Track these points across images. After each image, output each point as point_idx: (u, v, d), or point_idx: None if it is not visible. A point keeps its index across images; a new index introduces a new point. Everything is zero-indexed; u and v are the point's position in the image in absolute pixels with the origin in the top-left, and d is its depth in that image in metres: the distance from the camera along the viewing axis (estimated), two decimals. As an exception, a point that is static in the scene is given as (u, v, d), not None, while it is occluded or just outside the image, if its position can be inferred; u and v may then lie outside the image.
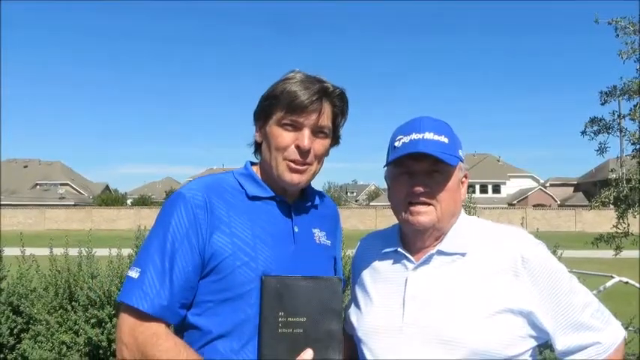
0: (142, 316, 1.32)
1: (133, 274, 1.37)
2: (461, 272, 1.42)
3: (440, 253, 1.45)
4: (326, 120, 1.49)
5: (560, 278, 1.40)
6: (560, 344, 1.39)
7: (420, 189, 1.43)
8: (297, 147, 1.46)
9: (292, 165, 1.48)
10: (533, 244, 1.43)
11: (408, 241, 1.52)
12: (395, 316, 1.43)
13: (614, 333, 1.42)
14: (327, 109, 1.49)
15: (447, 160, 1.40)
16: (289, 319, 1.35)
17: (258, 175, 1.56)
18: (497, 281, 1.38)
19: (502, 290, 1.37)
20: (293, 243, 1.50)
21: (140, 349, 1.31)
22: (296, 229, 1.52)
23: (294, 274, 1.42)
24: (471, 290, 1.38)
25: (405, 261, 1.49)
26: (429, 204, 1.43)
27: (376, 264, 1.57)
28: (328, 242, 1.62)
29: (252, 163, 1.61)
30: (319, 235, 1.60)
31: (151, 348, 1.30)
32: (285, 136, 1.46)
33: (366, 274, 1.59)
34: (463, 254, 1.44)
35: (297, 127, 1.47)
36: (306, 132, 1.47)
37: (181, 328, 1.43)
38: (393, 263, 1.52)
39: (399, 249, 1.51)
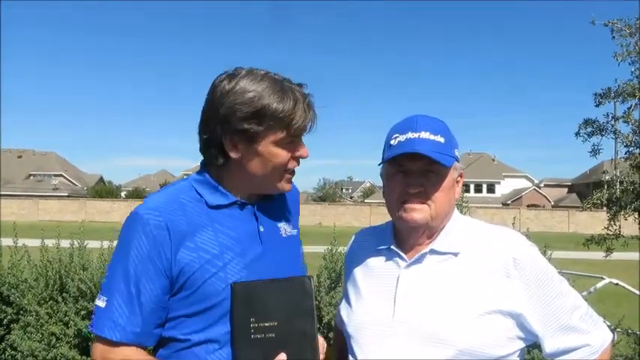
0: (115, 343, 1.33)
1: (100, 303, 1.36)
2: (453, 272, 1.42)
3: (432, 252, 1.45)
4: None
5: (551, 281, 1.41)
6: (548, 346, 1.40)
7: (414, 189, 1.43)
8: (299, 157, 1.47)
9: (289, 176, 1.48)
10: (525, 246, 1.44)
11: (401, 238, 1.52)
12: (385, 314, 1.43)
13: (602, 335, 1.44)
14: None
15: (442, 161, 1.40)
16: (260, 324, 1.35)
17: (216, 179, 1.47)
18: (489, 282, 1.39)
19: (493, 291, 1.38)
20: (260, 244, 1.47)
21: None
22: (261, 229, 1.49)
23: (264, 275, 1.40)
24: (461, 290, 1.39)
25: (397, 259, 1.49)
26: (423, 202, 1.43)
27: (369, 260, 1.57)
28: (294, 231, 1.62)
29: (205, 163, 1.51)
30: (285, 228, 1.58)
31: None
32: (285, 154, 1.43)
33: (358, 270, 1.59)
34: (455, 254, 1.44)
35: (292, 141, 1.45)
36: (301, 140, 1.47)
37: (158, 341, 1.42)
38: (386, 260, 1.52)
39: (392, 246, 1.51)
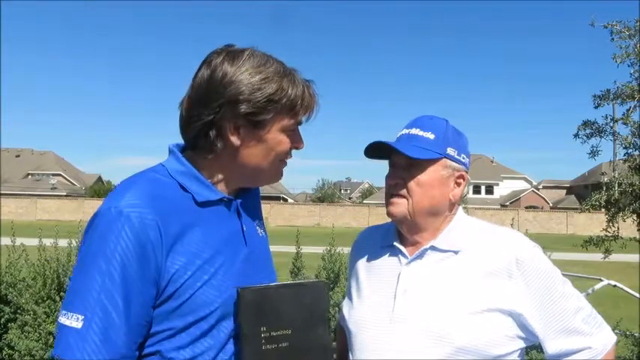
0: None
1: (73, 322, 1.11)
2: (453, 269, 1.42)
3: (433, 249, 1.46)
4: None
5: (554, 282, 1.41)
6: (550, 348, 1.40)
7: (394, 181, 1.48)
8: (296, 148, 1.39)
9: (284, 166, 1.41)
10: (528, 247, 1.44)
11: (403, 235, 1.53)
12: (385, 310, 1.44)
13: (605, 337, 1.43)
14: None
15: (407, 152, 1.42)
16: (273, 333, 1.22)
17: (200, 170, 1.32)
18: (490, 281, 1.39)
19: (493, 290, 1.38)
20: (245, 245, 1.35)
21: None
22: (244, 228, 1.37)
23: (253, 278, 1.30)
24: (461, 287, 1.39)
25: (400, 255, 1.50)
26: (403, 196, 1.46)
27: (372, 257, 1.58)
28: (264, 230, 1.53)
29: (178, 147, 1.36)
30: (259, 227, 1.49)
31: None
32: (287, 142, 1.35)
33: (361, 267, 1.60)
34: (456, 252, 1.44)
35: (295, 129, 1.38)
36: (299, 130, 1.40)
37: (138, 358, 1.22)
38: (388, 257, 1.53)
39: (395, 243, 1.52)
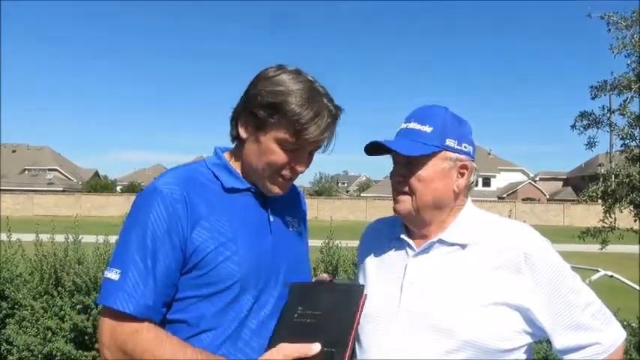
0: (125, 317, 1.30)
1: (113, 275, 1.32)
2: (460, 263, 1.41)
3: (441, 242, 1.45)
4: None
5: (563, 277, 1.39)
6: (558, 343, 1.39)
7: (396, 179, 1.48)
8: (293, 168, 1.45)
9: (281, 181, 1.46)
10: (538, 241, 1.42)
11: (411, 228, 1.53)
12: (392, 302, 1.44)
13: (614, 334, 1.41)
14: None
15: (404, 152, 1.41)
16: (306, 311, 1.38)
17: (232, 164, 1.51)
18: (497, 274, 1.37)
19: (500, 284, 1.36)
20: (270, 233, 1.48)
21: (121, 347, 1.30)
22: (271, 219, 1.50)
23: (274, 265, 1.45)
24: (468, 281, 1.38)
25: (407, 248, 1.50)
26: (407, 193, 1.45)
27: (379, 249, 1.58)
28: (301, 228, 1.64)
29: (223, 149, 1.56)
30: (292, 223, 1.60)
31: (131, 342, 1.29)
32: (282, 157, 1.42)
33: (369, 260, 1.60)
34: (463, 245, 1.43)
35: (296, 149, 1.43)
36: (305, 154, 1.45)
37: (164, 325, 1.38)
38: (396, 250, 1.53)
39: (402, 236, 1.52)
